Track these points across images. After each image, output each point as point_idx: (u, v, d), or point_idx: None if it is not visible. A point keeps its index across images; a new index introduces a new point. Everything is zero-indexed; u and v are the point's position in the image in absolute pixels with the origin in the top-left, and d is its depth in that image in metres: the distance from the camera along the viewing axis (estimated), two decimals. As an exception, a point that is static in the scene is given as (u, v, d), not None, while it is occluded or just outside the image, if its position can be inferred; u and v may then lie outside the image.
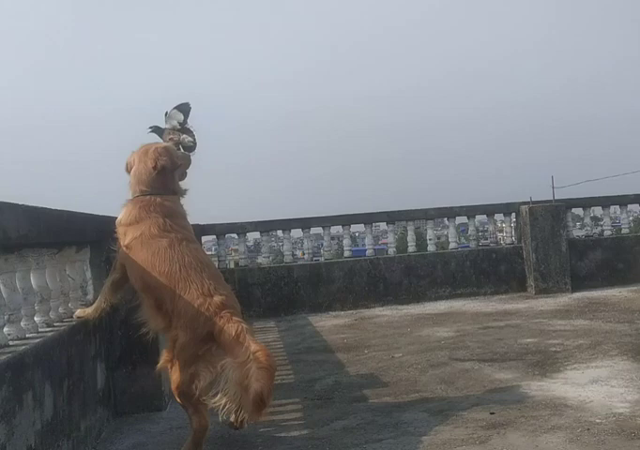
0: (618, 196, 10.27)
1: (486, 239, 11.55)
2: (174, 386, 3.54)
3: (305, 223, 9.67)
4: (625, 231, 10.44)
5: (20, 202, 2.89)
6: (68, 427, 3.31)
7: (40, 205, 3.24)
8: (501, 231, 11.13)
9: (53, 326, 3.54)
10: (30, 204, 3.03)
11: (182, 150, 4.49)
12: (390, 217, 10.06)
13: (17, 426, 2.59)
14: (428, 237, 10.17)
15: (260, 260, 10.12)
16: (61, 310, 3.80)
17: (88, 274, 4.41)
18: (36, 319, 3.40)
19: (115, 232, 3.69)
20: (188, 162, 4.32)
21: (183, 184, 4.05)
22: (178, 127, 4.61)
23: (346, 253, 10.05)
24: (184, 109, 4.67)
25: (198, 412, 3.51)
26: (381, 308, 9.05)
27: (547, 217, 9.31)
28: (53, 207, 3.44)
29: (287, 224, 9.73)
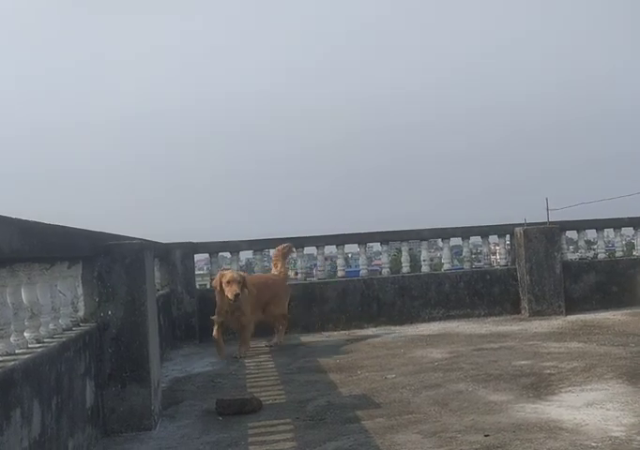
0: (613, 219, 10.31)
1: (479, 261, 11.51)
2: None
3: (299, 243, 9.63)
4: (619, 254, 10.44)
5: (13, 216, 2.86)
6: (56, 445, 3.24)
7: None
8: (494, 253, 11.12)
9: (43, 342, 3.49)
10: (23, 218, 3.00)
11: None
12: (384, 238, 10.05)
13: (4, 443, 2.54)
14: (422, 258, 10.17)
15: (253, 279, 10.02)
16: (51, 326, 3.75)
17: (80, 290, 4.37)
18: (25, 334, 3.35)
19: None
20: None
21: None
22: None
23: (340, 273, 10.03)
24: None
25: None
26: (374, 329, 9.00)
27: (541, 240, 9.32)
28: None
29: (280, 243, 9.67)
